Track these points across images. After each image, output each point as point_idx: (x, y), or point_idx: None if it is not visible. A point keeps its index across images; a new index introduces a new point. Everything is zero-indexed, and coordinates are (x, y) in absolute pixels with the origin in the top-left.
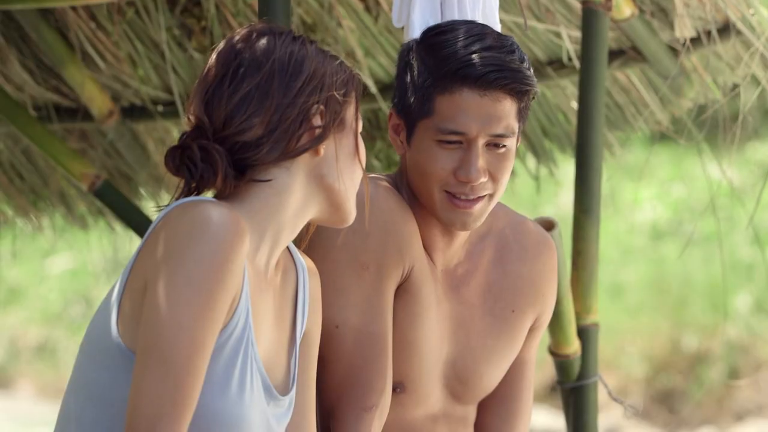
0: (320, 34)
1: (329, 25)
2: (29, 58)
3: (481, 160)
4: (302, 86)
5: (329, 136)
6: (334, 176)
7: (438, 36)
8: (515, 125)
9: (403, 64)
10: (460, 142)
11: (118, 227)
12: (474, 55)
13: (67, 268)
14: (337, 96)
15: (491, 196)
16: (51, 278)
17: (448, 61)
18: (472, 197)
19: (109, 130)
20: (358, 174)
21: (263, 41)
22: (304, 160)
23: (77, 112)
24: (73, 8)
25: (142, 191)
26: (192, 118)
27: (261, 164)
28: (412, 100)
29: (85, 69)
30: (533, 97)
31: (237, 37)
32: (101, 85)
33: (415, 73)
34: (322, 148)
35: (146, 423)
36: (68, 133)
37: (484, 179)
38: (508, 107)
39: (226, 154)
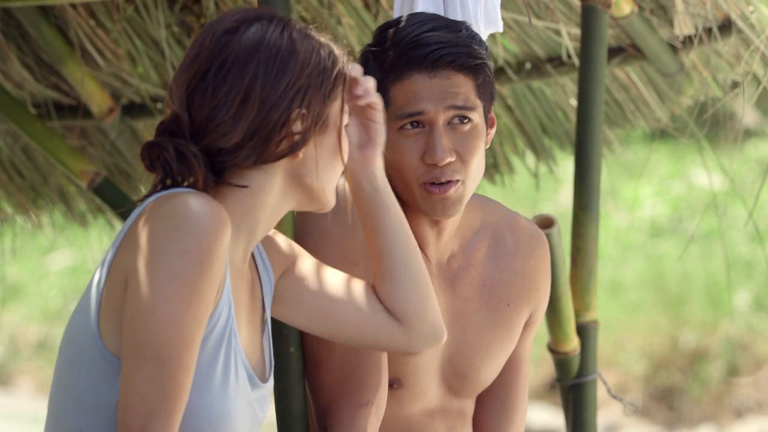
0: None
1: (329, 22)
2: (29, 56)
3: (446, 140)
4: (285, 90)
5: (309, 141)
6: (313, 176)
7: (384, 32)
8: (476, 100)
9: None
10: (422, 126)
11: (118, 224)
12: (417, 38)
13: (66, 266)
14: (322, 97)
15: (464, 181)
16: (51, 275)
17: (394, 49)
18: (443, 180)
19: (109, 128)
20: (338, 169)
21: (250, 35)
22: (282, 162)
23: (77, 109)
24: (73, 6)
25: (142, 188)
26: (172, 107)
27: (237, 168)
28: None
29: (84, 66)
30: (490, 73)
31: (225, 27)
32: (101, 82)
33: (369, 72)
34: (302, 152)
35: (139, 420)
36: (68, 130)
37: (451, 159)
38: (462, 82)
39: (203, 156)
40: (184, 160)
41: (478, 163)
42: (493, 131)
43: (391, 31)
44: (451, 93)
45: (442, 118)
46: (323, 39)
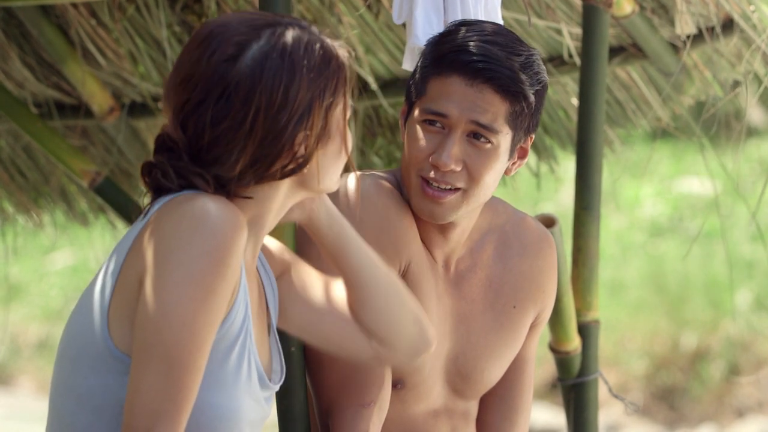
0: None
1: (330, 21)
2: (30, 55)
3: (457, 149)
4: (288, 119)
5: (313, 156)
6: (316, 181)
7: (453, 25)
8: (503, 126)
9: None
10: (443, 128)
11: (119, 224)
12: (470, 44)
13: (67, 265)
14: (324, 112)
15: (465, 192)
16: (52, 275)
17: (445, 45)
18: (443, 186)
19: (110, 127)
20: (342, 163)
21: (248, 63)
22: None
23: (78, 109)
24: (74, 5)
25: (143, 188)
26: (168, 123)
27: (240, 187)
28: (413, 82)
29: (85, 66)
30: (532, 108)
31: (223, 53)
32: (102, 82)
33: (422, 57)
34: (306, 168)
35: (145, 421)
36: (69, 130)
37: (456, 168)
38: (496, 104)
39: (207, 175)
40: (189, 181)
41: (487, 181)
42: (521, 162)
43: (457, 28)
44: (480, 108)
45: (461, 128)
46: (326, 41)
